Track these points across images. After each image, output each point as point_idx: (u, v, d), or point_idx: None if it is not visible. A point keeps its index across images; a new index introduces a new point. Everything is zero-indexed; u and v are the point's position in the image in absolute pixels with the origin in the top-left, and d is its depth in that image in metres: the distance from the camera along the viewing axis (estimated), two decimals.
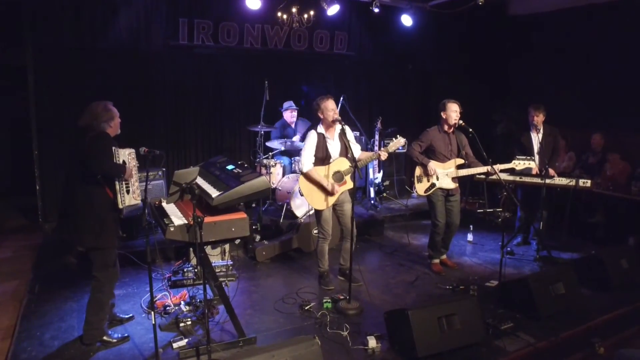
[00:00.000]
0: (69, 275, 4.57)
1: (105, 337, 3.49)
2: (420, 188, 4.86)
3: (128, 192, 3.39)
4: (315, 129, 4.41)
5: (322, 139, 4.36)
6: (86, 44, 5.87)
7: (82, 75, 5.83)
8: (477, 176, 5.24)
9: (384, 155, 4.46)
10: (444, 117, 4.75)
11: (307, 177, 4.34)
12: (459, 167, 4.80)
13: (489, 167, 4.61)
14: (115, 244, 3.50)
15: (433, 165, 4.74)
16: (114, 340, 3.51)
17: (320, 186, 4.34)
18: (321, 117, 4.36)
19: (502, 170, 4.85)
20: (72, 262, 4.74)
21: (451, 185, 4.80)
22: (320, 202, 4.37)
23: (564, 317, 4.03)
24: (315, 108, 4.36)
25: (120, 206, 3.34)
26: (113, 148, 3.32)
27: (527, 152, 5.36)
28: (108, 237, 3.40)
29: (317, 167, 4.35)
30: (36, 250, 5.18)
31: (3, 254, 5.18)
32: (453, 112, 4.68)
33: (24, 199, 6.30)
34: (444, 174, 4.78)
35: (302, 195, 4.45)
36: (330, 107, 4.30)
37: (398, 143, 4.44)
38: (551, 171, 5.30)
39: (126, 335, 3.59)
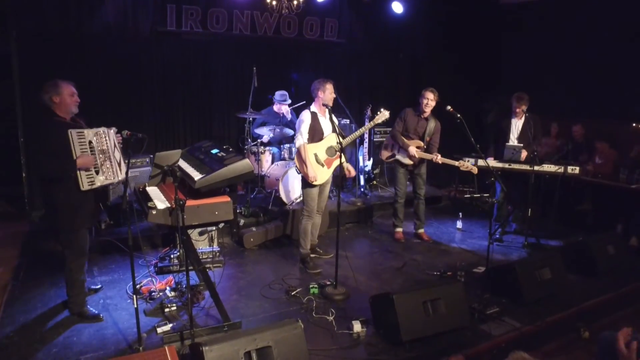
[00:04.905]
0: (54, 262, 4.51)
1: (82, 310, 3.61)
2: (384, 155, 5.54)
3: (98, 172, 3.36)
4: (309, 109, 4.59)
5: (315, 117, 4.56)
6: (72, 30, 5.79)
7: (68, 62, 5.74)
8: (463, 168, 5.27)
9: (375, 121, 4.78)
10: (419, 102, 5.20)
11: (300, 152, 4.53)
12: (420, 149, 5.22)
13: (435, 156, 5.09)
14: (83, 225, 3.49)
15: (412, 150, 5.17)
16: (89, 316, 3.60)
17: (314, 161, 4.55)
18: (320, 96, 4.51)
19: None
20: (57, 249, 4.69)
21: (408, 161, 5.31)
22: (322, 175, 4.57)
23: (549, 302, 4.05)
24: (317, 87, 4.52)
25: (83, 188, 3.30)
26: (70, 131, 3.23)
27: (504, 137, 5.54)
28: (74, 218, 3.40)
29: (311, 144, 4.54)
30: (22, 238, 5.13)
31: None
32: (424, 99, 5.12)
33: (11, 187, 6.22)
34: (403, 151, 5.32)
35: (298, 172, 4.62)
36: (331, 90, 4.52)
37: (383, 116, 4.71)
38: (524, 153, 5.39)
39: (100, 315, 3.63)
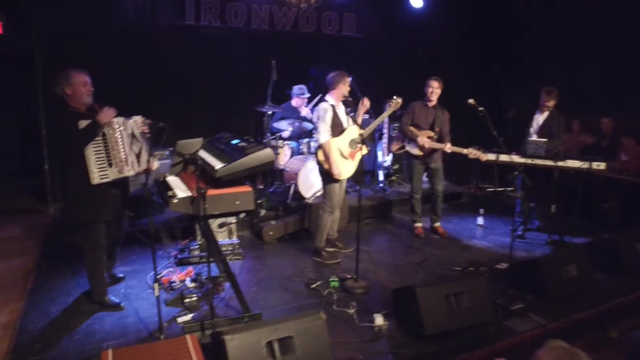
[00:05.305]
0: (76, 252, 4.55)
1: (104, 299, 3.63)
2: (394, 147, 5.79)
3: (111, 165, 3.30)
4: (325, 101, 4.51)
5: (334, 110, 4.49)
6: (93, 24, 5.83)
7: (88, 56, 5.76)
8: (487, 159, 5.18)
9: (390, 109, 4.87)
10: (425, 92, 5.26)
11: (323, 147, 4.41)
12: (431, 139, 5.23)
13: (444, 146, 5.10)
14: (98, 218, 3.45)
15: (421, 140, 5.18)
16: (109, 304, 3.62)
17: (339, 156, 4.47)
18: (341, 88, 4.48)
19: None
20: (79, 240, 4.73)
21: (417, 152, 5.29)
22: (346, 170, 4.53)
23: (575, 299, 3.95)
24: (338, 79, 4.48)
25: (94, 182, 3.25)
26: (80, 123, 3.20)
27: (523, 131, 5.54)
28: (89, 211, 3.38)
29: (334, 138, 4.46)
30: (44, 229, 5.19)
31: (13, 231, 5.21)
32: (429, 87, 5.20)
33: (33, 180, 6.31)
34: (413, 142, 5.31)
35: (323, 167, 4.47)
36: (348, 83, 4.52)
37: (397, 103, 4.78)
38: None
39: (121, 304, 3.64)
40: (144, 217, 5.25)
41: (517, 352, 3.37)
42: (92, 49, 5.81)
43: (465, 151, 5.10)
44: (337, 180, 4.49)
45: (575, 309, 3.81)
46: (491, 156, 5.20)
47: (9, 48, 6.27)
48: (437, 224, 5.58)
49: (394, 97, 4.75)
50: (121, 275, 4.15)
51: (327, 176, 4.50)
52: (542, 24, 7.68)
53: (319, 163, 4.53)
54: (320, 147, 4.44)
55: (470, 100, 4.54)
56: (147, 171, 3.16)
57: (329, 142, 4.40)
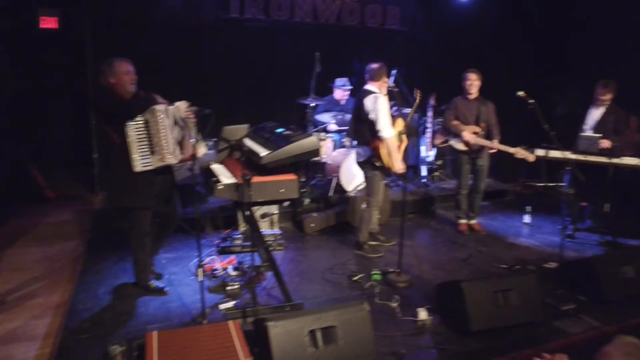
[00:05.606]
0: (122, 238, 4.67)
1: (148, 283, 3.71)
2: (437, 140, 5.58)
3: (153, 152, 3.30)
4: (378, 93, 4.36)
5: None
6: (141, 17, 5.98)
7: (136, 47, 5.87)
8: (537, 156, 4.99)
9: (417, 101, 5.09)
10: (463, 85, 5.16)
11: (388, 142, 4.25)
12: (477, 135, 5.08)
13: (491, 143, 4.97)
14: (142, 206, 3.47)
15: (466, 135, 5.02)
16: (153, 288, 3.69)
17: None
18: (384, 81, 4.44)
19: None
20: (125, 227, 4.86)
21: (461, 147, 5.13)
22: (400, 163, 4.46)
23: (632, 302, 3.72)
24: (382, 72, 4.45)
25: (136, 170, 3.26)
26: None
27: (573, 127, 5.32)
28: (133, 199, 3.41)
29: None
30: (93, 215, 5.36)
31: (64, 216, 5.41)
32: (467, 80, 5.10)
33: (84, 169, 6.53)
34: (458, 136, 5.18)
35: (376, 163, 4.34)
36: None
37: (418, 95, 4.92)
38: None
39: (165, 289, 3.71)
40: (188, 206, 5.33)
41: (567, 354, 3.21)
42: (140, 41, 5.95)
43: (512, 150, 4.93)
44: (389, 175, 4.43)
45: (631, 312, 3.61)
46: (540, 152, 5.00)
47: (63, 42, 6.53)
48: (474, 221, 5.45)
49: (414, 89, 4.85)
50: (158, 272, 4.10)
51: (378, 173, 4.40)
52: (594, 19, 7.31)
53: (375, 156, 4.33)
54: (382, 140, 4.23)
55: (520, 93, 4.37)
56: (194, 157, 3.18)
57: (392, 137, 4.24)
